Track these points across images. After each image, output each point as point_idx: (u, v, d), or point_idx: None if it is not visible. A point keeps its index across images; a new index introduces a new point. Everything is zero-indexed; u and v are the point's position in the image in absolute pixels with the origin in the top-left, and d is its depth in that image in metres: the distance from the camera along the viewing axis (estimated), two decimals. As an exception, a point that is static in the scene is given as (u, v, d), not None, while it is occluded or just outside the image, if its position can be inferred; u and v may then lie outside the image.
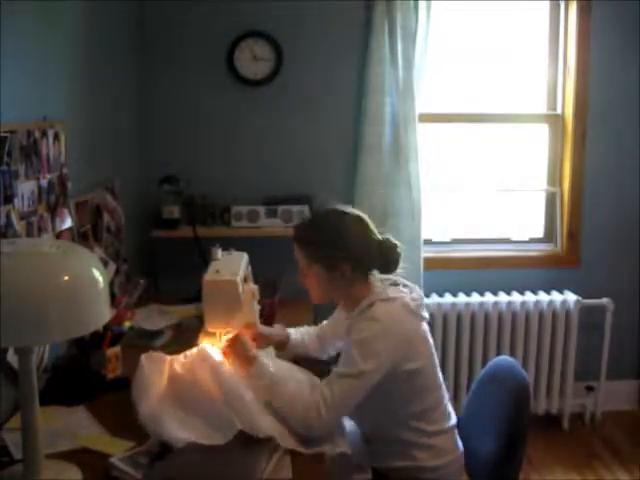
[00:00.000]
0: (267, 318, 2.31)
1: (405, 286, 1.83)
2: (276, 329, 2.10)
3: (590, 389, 3.39)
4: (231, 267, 1.99)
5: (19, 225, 1.72)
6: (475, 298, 3.23)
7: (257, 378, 1.70)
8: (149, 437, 1.54)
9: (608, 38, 3.20)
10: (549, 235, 3.47)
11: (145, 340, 2.18)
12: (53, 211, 1.96)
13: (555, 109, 3.36)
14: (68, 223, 2.08)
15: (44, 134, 1.91)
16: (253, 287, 2.13)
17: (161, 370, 1.75)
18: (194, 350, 1.83)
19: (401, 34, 3.01)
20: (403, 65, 3.04)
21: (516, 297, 3.24)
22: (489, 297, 3.24)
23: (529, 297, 3.24)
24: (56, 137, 2.00)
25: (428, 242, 3.31)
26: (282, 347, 2.04)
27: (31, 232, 1.80)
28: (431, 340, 1.81)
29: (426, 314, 1.80)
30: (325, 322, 2.11)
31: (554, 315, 3.23)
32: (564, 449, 3.15)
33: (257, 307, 2.18)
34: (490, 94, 3.34)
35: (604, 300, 3.31)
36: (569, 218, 3.36)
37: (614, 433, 3.31)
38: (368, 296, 1.77)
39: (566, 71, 3.28)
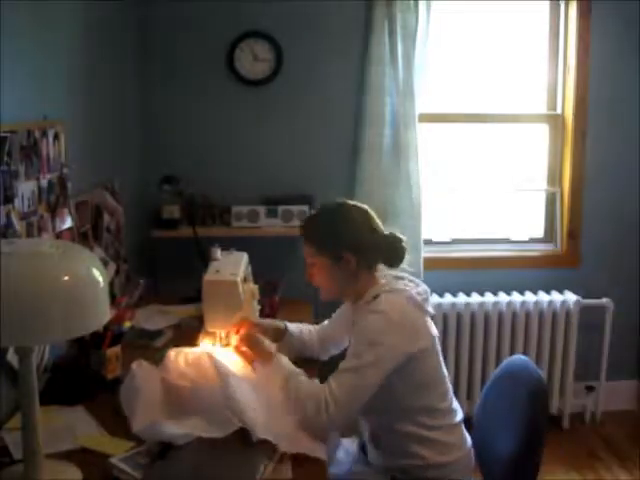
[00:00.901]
0: (267, 318, 2.31)
1: (411, 281, 1.84)
2: (272, 320, 2.12)
3: (590, 389, 3.39)
4: (231, 267, 1.99)
5: (19, 225, 1.72)
6: (475, 298, 3.23)
7: (275, 372, 1.74)
8: (149, 437, 1.54)
9: (608, 38, 3.20)
10: (549, 235, 3.46)
11: (145, 340, 2.18)
12: (53, 211, 1.96)
13: (555, 109, 3.36)
14: (68, 223, 2.08)
15: (44, 134, 1.91)
16: (253, 287, 2.13)
17: (152, 379, 1.73)
18: (193, 351, 1.83)
19: (401, 34, 3.01)
20: (403, 65, 3.04)
21: (516, 297, 3.24)
22: (489, 297, 3.24)
23: (529, 297, 3.24)
24: (56, 137, 2.00)
25: (428, 242, 3.31)
26: (279, 337, 2.03)
27: (31, 232, 1.80)
28: (435, 333, 1.81)
29: (431, 309, 1.81)
30: (326, 321, 2.12)
31: (554, 315, 3.23)
32: (564, 449, 3.15)
33: (257, 307, 2.18)
34: (490, 94, 3.34)
35: (604, 300, 3.31)
36: (569, 218, 3.36)
37: (614, 433, 3.31)
38: (373, 288, 1.78)
39: (566, 71, 3.28)
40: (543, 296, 3.26)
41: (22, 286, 1.21)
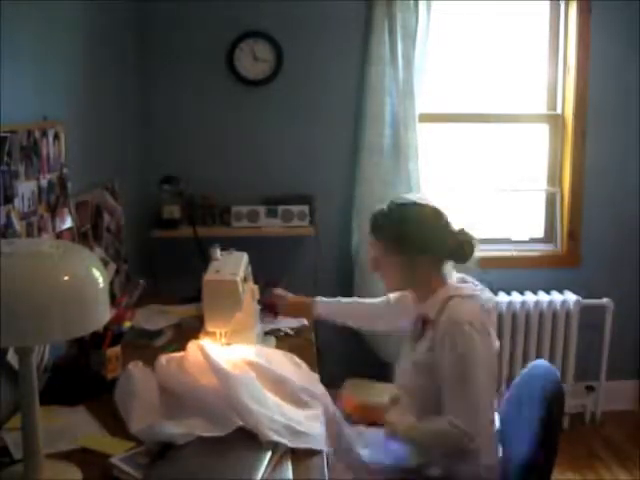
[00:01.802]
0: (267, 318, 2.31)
1: (475, 284, 1.87)
2: (299, 297, 2.26)
3: (590, 389, 3.39)
4: (231, 267, 1.99)
5: (19, 225, 1.72)
6: (475, 298, 3.22)
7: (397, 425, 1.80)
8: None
9: (608, 38, 3.20)
10: (549, 235, 3.46)
11: (145, 340, 2.18)
12: (53, 211, 1.96)
13: (555, 109, 3.36)
14: (68, 223, 2.08)
15: (44, 134, 1.91)
16: (253, 287, 2.13)
17: (149, 379, 1.73)
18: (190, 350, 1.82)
19: (401, 34, 3.02)
20: (403, 65, 3.04)
21: (516, 297, 3.24)
22: (489, 297, 3.23)
23: (529, 297, 3.24)
24: (56, 137, 1.99)
25: (428, 242, 3.31)
26: (309, 311, 2.17)
27: (31, 232, 1.80)
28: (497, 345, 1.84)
29: (494, 317, 1.88)
30: (380, 299, 2.15)
31: (554, 315, 3.23)
32: (564, 449, 3.12)
33: (257, 307, 2.18)
34: (490, 94, 3.34)
35: (604, 300, 3.31)
36: (569, 218, 3.36)
37: (614, 433, 3.31)
38: (443, 288, 1.80)
39: (566, 71, 3.28)
40: (543, 296, 3.26)
41: (22, 286, 1.21)
